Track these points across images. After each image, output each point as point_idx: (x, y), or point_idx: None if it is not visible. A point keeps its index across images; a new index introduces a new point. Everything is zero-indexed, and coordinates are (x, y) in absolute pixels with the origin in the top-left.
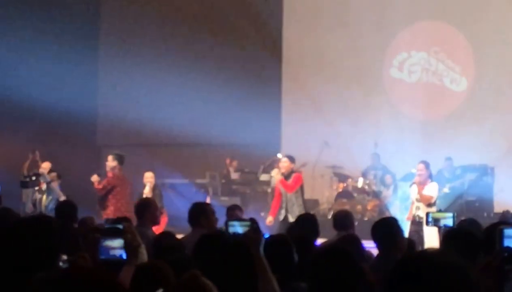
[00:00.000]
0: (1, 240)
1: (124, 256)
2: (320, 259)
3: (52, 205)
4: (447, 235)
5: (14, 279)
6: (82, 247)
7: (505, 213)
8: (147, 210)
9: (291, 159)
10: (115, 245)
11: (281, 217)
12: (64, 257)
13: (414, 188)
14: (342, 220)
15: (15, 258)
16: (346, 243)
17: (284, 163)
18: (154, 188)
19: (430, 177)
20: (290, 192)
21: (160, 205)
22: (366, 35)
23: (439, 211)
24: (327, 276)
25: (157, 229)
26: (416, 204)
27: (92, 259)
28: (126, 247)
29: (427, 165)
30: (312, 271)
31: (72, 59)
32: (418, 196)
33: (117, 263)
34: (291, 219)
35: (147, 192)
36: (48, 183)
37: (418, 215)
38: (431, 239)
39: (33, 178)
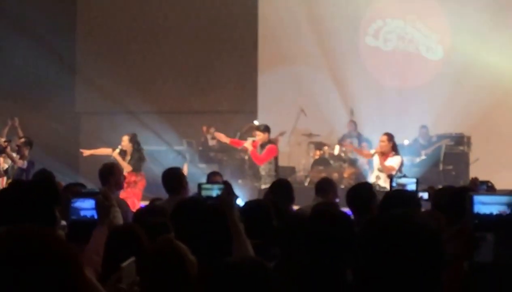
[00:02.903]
0: None
1: (96, 216)
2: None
3: (17, 171)
4: (385, 196)
5: None
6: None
7: (474, 180)
8: (111, 174)
9: (266, 129)
10: (86, 206)
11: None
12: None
13: (376, 158)
14: (324, 185)
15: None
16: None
17: (259, 135)
18: (133, 151)
19: (394, 149)
20: (260, 164)
21: (136, 168)
22: (342, 2)
23: (404, 176)
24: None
25: (136, 193)
26: (377, 173)
27: (64, 219)
28: (97, 207)
29: (390, 137)
30: (292, 234)
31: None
32: (379, 166)
33: (88, 223)
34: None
35: (115, 154)
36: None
37: (378, 184)
38: None
39: None
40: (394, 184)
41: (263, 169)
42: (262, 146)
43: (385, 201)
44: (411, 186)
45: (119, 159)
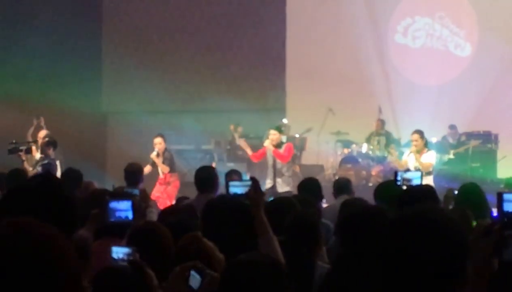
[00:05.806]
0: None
1: (131, 217)
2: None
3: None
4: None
5: None
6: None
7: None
8: (138, 173)
9: (279, 130)
10: (122, 207)
11: (269, 185)
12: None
13: (412, 157)
14: (347, 183)
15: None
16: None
17: (274, 135)
18: (164, 152)
19: (426, 145)
20: (285, 162)
21: (172, 169)
22: (371, 0)
23: (408, 170)
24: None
25: (169, 193)
26: None
27: (101, 221)
28: (133, 208)
29: (421, 134)
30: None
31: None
32: (417, 164)
33: (125, 224)
34: (280, 189)
35: (153, 156)
36: (26, 150)
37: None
38: None
39: (18, 146)
40: (398, 178)
41: (286, 168)
42: (277, 146)
43: (405, 196)
44: (417, 180)
45: (158, 161)
